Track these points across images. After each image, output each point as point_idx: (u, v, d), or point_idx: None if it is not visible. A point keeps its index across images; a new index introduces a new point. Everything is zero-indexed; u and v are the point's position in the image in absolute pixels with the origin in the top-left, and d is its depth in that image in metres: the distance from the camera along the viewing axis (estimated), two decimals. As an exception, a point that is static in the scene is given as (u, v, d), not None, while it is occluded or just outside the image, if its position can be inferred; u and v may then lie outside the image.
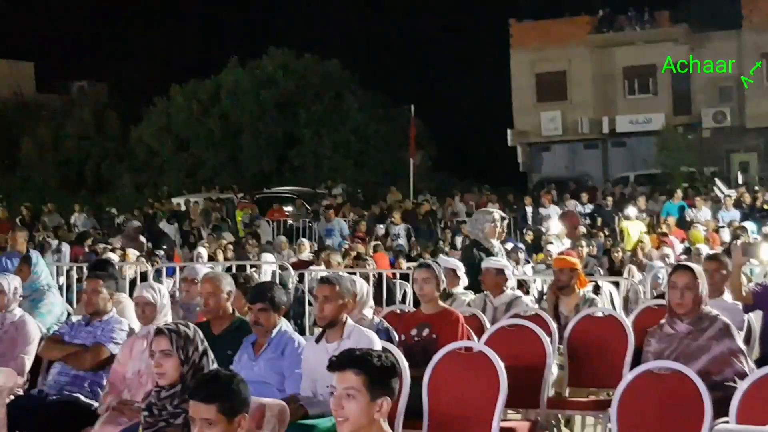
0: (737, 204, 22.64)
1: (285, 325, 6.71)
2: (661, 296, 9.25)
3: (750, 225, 19.67)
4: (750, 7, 40.40)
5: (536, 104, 43.86)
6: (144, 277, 13.00)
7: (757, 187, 26.75)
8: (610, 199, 25.22)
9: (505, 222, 10.78)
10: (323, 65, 42.81)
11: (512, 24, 44.36)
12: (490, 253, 9.73)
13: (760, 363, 6.74)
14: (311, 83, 41.76)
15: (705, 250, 14.11)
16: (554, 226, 20.94)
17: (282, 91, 41.31)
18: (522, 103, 44.12)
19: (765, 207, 22.97)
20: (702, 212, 22.00)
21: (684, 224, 21.16)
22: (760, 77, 40.37)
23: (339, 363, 4.35)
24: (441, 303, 7.59)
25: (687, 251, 16.35)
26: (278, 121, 41.17)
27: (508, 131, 44.43)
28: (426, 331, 7.29)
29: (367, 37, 52.81)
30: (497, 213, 10.52)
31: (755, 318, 8.08)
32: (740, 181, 31.72)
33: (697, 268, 6.66)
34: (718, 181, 25.08)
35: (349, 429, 4.27)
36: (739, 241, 14.38)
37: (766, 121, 39.28)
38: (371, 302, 7.59)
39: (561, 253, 12.64)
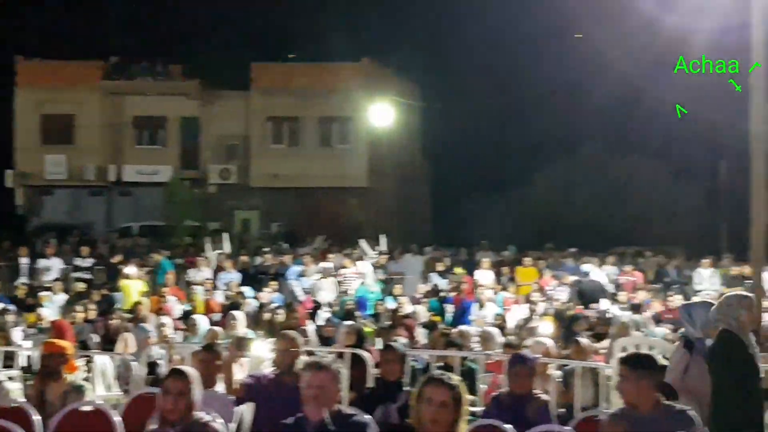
0: (238, 266, 22.82)
1: None
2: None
3: (248, 290, 20.01)
4: (258, 71, 42.10)
5: (41, 146, 41.96)
6: None
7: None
8: (118, 257, 24.26)
9: None
10: None
11: (19, 61, 42.22)
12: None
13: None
14: None
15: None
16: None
17: None
18: (25, 144, 42.00)
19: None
20: (203, 272, 21.88)
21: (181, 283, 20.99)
22: (265, 138, 42.12)
23: None
24: None
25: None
26: None
27: (7, 172, 42.02)
28: None
29: None
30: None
31: (247, 410, 7.97)
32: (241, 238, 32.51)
33: (191, 371, 6.32)
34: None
35: None
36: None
37: (269, 182, 40.97)
38: None
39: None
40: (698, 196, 41.53)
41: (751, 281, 17.76)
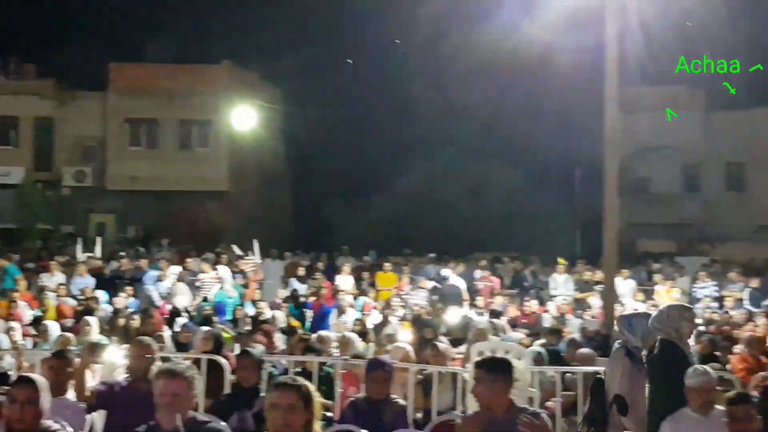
0: (94, 270, 22.25)
1: None
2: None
3: (102, 295, 19.52)
4: (116, 71, 41.18)
5: None
6: None
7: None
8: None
9: None
10: None
11: None
12: None
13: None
14: None
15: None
16: None
17: None
18: None
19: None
20: (56, 277, 21.26)
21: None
22: (123, 140, 41.23)
23: None
24: None
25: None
26: None
27: None
28: None
29: None
30: None
31: (98, 418, 7.75)
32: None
33: (39, 378, 6.09)
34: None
35: None
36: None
37: (126, 184, 40.10)
38: None
39: None
40: (554, 203, 42.57)
41: (603, 286, 18.36)
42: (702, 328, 16.49)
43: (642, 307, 19.03)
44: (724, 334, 15.60)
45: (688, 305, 8.76)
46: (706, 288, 22.22)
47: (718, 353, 13.46)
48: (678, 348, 7.72)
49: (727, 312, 18.96)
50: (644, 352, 8.06)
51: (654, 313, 8.28)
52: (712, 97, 42.49)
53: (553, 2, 18.30)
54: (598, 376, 8.58)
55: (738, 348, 13.83)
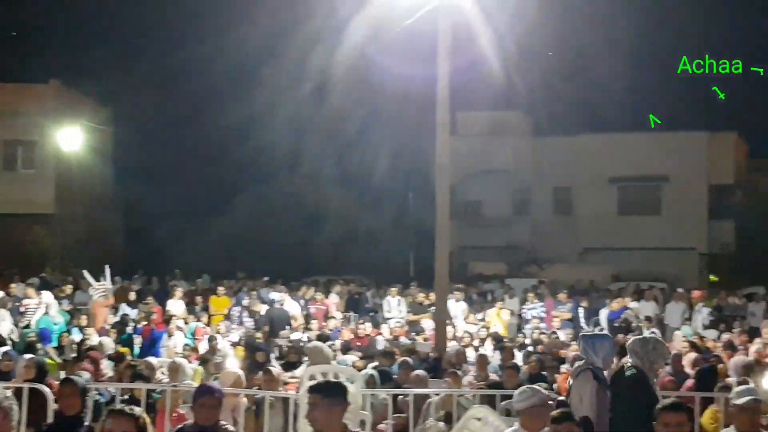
0: None
1: None
2: None
3: None
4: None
5: None
6: None
7: None
8: None
9: None
10: None
11: None
12: None
13: None
14: None
15: None
16: None
17: None
18: None
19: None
20: None
21: None
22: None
23: None
24: None
25: None
26: None
27: None
28: None
29: None
30: None
31: None
32: None
33: None
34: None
35: None
36: None
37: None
38: None
39: None
40: (389, 226, 42.97)
41: (435, 308, 18.59)
42: (530, 349, 16.90)
43: (473, 329, 19.38)
44: (552, 355, 15.99)
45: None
46: (534, 309, 22.77)
47: (545, 373, 13.77)
48: (647, 378, 8.27)
49: (554, 332, 19.46)
50: (606, 372, 8.53)
51: (637, 338, 8.75)
52: (540, 123, 43.83)
53: (386, 30, 18.51)
54: (560, 398, 8.88)
55: (564, 367, 14.19)
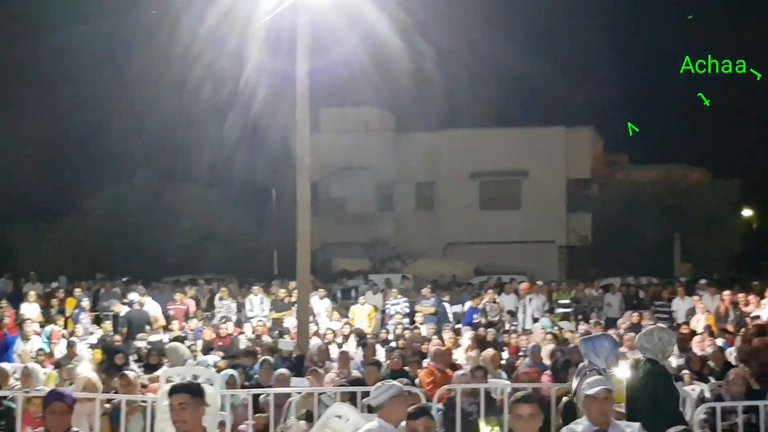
0: None
1: None
2: None
3: None
4: None
5: None
6: None
7: None
8: None
9: None
10: None
11: None
12: None
13: None
14: None
15: None
16: None
17: None
18: None
19: None
20: None
21: None
22: None
23: None
24: None
25: None
26: None
27: None
28: None
29: None
30: None
31: None
32: None
33: None
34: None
35: None
36: None
37: None
38: None
39: None
40: (251, 224, 42.54)
41: (297, 305, 18.50)
42: (393, 344, 16.95)
43: (337, 326, 19.33)
44: (413, 350, 16.05)
45: (671, 330, 9.87)
46: (397, 304, 22.87)
47: (407, 368, 13.82)
48: (662, 367, 8.43)
49: (417, 327, 19.55)
50: (608, 371, 8.84)
51: (641, 334, 8.82)
52: (401, 119, 44.08)
53: (248, 26, 18.30)
54: (567, 399, 9.11)
55: (426, 362, 14.27)
